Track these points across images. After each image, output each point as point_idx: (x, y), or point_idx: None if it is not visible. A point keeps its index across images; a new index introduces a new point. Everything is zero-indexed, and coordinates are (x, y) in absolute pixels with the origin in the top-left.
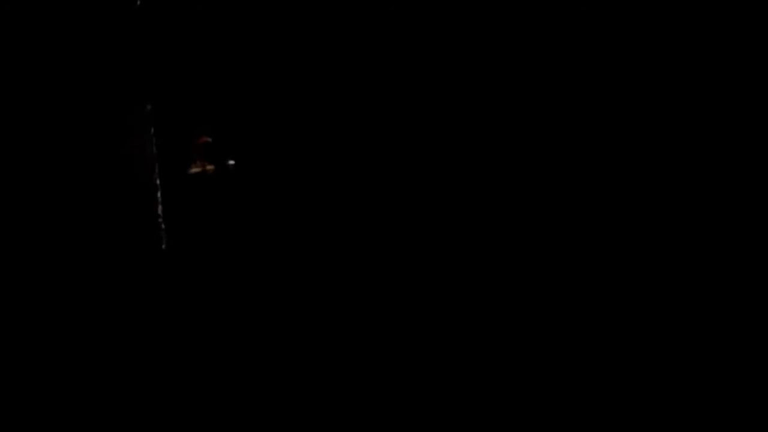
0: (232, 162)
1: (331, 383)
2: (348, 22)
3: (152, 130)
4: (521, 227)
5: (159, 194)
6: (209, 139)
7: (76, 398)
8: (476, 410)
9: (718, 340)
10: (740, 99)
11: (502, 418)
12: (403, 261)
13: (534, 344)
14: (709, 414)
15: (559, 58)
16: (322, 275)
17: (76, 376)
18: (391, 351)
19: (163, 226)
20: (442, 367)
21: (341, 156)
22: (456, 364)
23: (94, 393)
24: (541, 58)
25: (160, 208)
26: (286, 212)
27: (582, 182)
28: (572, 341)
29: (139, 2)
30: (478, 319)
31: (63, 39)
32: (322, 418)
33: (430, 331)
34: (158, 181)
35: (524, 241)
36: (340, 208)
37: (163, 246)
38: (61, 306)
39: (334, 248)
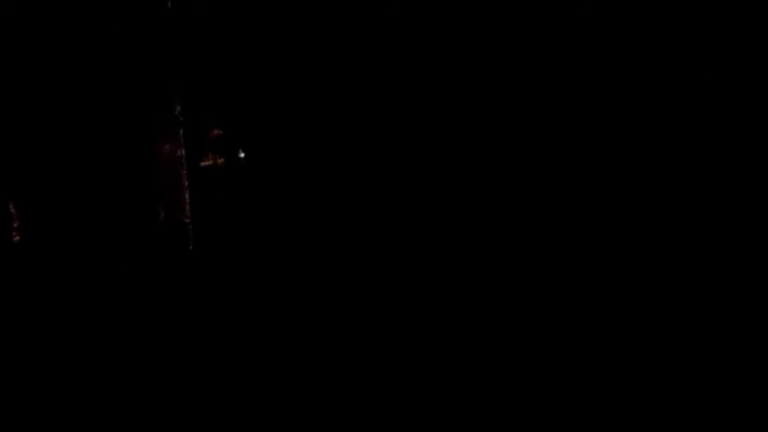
0: (242, 155)
1: (343, 376)
2: (357, 21)
3: (181, 131)
4: (521, 227)
5: (187, 195)
6: (220, 132)
7: (103, 391)
8: (476, 410)
9: (718, 340)
10: (740, 99)
11: (501, 418)
12: (408, 254)
13: (534, 344)
14: (709, 414)
15: (559, 58)
16: (329, 268)
17: (103, 370)
18: (403, 347)
19: (190, 226)
20: (446, 366)
21: (348, 150)
22: (458, 364)
23: (119, 386)
24: (541, 58)
25: (188, 207)
26: (298, 206)
27: (582, 182)
28: (572, 341)
29: (170, 4)
30: (480, 319)
31: (100, 41)
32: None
33: (442, 328)
34: (186, 182)
35: (524, 241)
36: (346, 202)
37: (190, 246)
38: (90, 301)
39: (341, 241)
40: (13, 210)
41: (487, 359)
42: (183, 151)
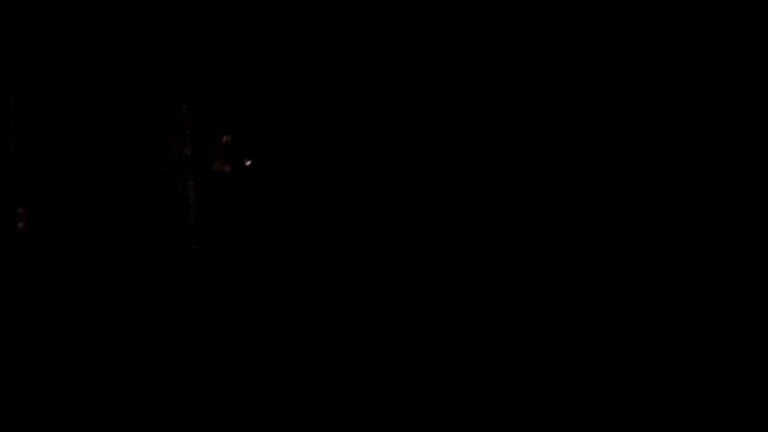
0: (248, 162)
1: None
2: (363, 34)
3: (187, 131)
4: (522, 227)
5: (192, 195)
6: (229, 139)
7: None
8: (476, 410)
9: (718, 341)
10: (740, 99)
11: (501, 418)
12: (409, 256)
13: (533, 344)
14: (709, 414)
15: (559, 58)
16: (331, 271)
17: (108, 365)
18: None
19: (195, 227)
20: (447, 366)
21: (350, 157)
22: (458, 364)
23: (126, 380)
24: (540, 58)
25: (192, 208)
26: (302, 211)
27: (582, 182)
28: (572, 341)
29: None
30: (482, 319)
31: (106, 41)
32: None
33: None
34: (192, 183)
35: (524, 241)
36: (348, 207)
37: (194, 246)
38: (94, 296)
39: (342, 244)
40: (22, 209)
41: (486, 359)
42: (189, 154)
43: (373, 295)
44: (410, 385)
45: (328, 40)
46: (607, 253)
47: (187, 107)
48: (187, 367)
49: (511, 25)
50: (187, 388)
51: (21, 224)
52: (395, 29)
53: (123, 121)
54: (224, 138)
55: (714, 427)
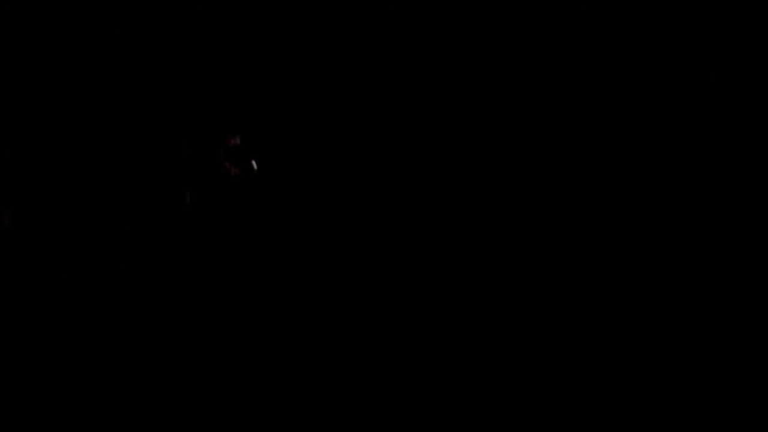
0: (255, 165)
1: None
2: (371, 38)
3: (186, 130)
4: (525, 229)
5: (189, 196)
6: (237, 141)
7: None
8: (475, 410)
9: (718, 341)
10: (740, 99)
11: (501, 418)
12: (415, 260)
13: (533, 345)
14: (709, 414)
15: (559, 58)
16: (335, 276)
17: (107, 366)
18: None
19: (192, 229)
20: (447, 367)
21: (357, 162)
22: (459, 365)
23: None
24: (540, 58)
25: (190, 208)
26: (308, 216)
27: (581, 183)
28: (572, 341)
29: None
30: (483, 321)
31: (103, 41)
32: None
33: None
34: (189, 184)
35: (525, 242)
36: (354, 212)
37: (193, 248)
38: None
39: (347, 249)
40: (19, 208)
41: (486, 360)
42: (190, 154)
43: (379, 297)
44: (408, 382)
45: (340, 43)
46: (606, 254)
47: (187, 107)
48: (184, 368)
49: (512, 28)
50: (186, 392)
51: (7, 218)
52: (408, 33)
53: (122, 121)
54: (232, 140)
55: (714, 427)
